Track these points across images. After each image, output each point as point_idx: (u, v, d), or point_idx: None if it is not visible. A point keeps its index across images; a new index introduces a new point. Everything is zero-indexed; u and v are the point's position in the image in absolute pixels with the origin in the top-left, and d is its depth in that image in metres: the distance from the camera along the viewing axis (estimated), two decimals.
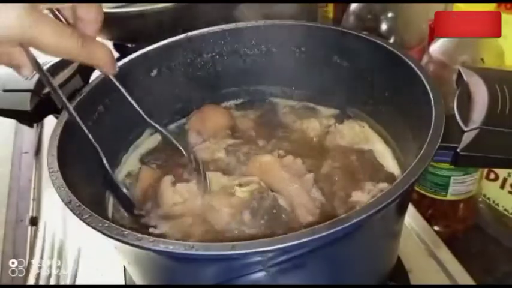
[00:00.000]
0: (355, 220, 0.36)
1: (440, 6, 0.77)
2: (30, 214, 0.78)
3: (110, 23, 0.90)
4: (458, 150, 0.41)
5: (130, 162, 0.62)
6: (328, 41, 0.62)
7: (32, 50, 0.75)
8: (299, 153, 0.60)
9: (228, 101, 0.69)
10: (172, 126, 0.67)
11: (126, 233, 0.39)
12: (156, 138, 0.65)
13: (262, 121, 0.66)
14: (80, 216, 0.41)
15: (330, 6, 1.08)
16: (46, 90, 0.53)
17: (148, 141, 0.65)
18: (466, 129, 0.42)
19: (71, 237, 0.70)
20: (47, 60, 0.55)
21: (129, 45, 1.02)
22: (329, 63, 0.63)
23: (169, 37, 0.63)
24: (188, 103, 0.67)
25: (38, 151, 0.95)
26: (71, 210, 0.42)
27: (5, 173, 0.99)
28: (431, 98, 0.47)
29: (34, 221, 0.76)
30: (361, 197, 0.54)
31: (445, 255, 0.63)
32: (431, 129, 0.43)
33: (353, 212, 0.37)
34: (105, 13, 0.88)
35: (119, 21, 0.88)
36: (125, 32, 0.94)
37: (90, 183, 0.53)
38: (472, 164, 0.56)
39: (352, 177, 0.57)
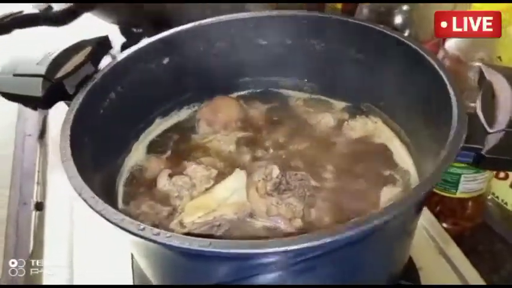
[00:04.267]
0: (376, 222, 0.36)
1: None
2: (35, 199, 0.77)
3: (115, 8, 0.88)
4: (483, 152, 0.40)
5: (140, 150, 0.61)
6: (345, 34, 0.61)
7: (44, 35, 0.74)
8: (310, 148, 0.60)
9: (239, 91, 0.68)
10: (182, 115, 0.65)
11: (142, 227, 0.38)
12: (167, 126, 0.64)
13: (273, 113, 0.65)
14: (94, 208, 0.40)
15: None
16: (58, 75, 0.52)
17: (159, 128, 0.64)
18: (490, 130, 0.41)
19: (78, 225, 0.69)
20: (59, 47, 0.54)
21: (135, 30, 1.00)
22: (344, 57, 0.62)
23: (175, 22, 0.62)
24: (199, 92, 0.66)
25: (42, 134, 0.94)
26: (84, 201, 0.41)
27: (7, 155, 0.98)
28: (452, 96, 0.46)
29: (39, 206, 0.75)
30: (374, 195, 0.54)
31: (455, 253, 0.63)
32: (454, 129, 0.42)
33: (374, 213, 0.36)
34: None
35: (124, 5, 0.86)
36: (131, 16, 0.92)
37: (100, 173, 0.53)
38: (496, 167, 0.55)
39: (364, 174, 0.56)
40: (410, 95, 0.56)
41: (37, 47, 0.57)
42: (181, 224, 0.50)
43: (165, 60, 0.61)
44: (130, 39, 0.96)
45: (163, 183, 0.55)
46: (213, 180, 0.54)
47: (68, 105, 0.53)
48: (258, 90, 0.68)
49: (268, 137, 0.61)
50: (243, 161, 0.58)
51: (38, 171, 0.87)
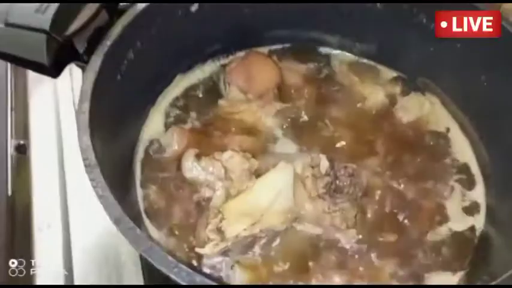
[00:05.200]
0: None
1: None
2: (14, 140, 0.65)
3: None
4: None
5: (157, 117, 0.51)
6: None
7: None
8: (358, 131, 0.51)
9: (273, 45, 0.57)
10: (206, 70, 0.55)
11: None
12: (188, 85, 0.54)
13: (315, 80, 0.55)
14: (137, 246, 0.31)
15: None
16: (67, 32, 0.39)
17: (179, 88, 0.53)
18: None
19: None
20: None
21: None
22: (408, 19, 0.51)
23: None
24: (227, 43, 0.55)
25: None
26: (122, 232, 0.32)
27: None
28: None
29: (22, 149, 0.63)
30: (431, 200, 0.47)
31: None
32: None
33: None
34: None
35: None
36: None
37: (115, 150, 0.43)
38: None
39: (419, 170, 0.49)
40: (484, 76, 0.48)
41: None
42: (219, 230, 0.42)
43: (194, 7, 0.49)
44: None
45: (190, 166, 0.46)
46: (254, 175, 0.45)
47: (80, 67, 0.42)
48: (296, 46, 0.57)
49: (310, 112, 0.52)
50: (284, 144, 0.49)
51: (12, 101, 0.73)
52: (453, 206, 0.47)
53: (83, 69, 0.41)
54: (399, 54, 0.55)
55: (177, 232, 0.43)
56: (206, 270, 0.41)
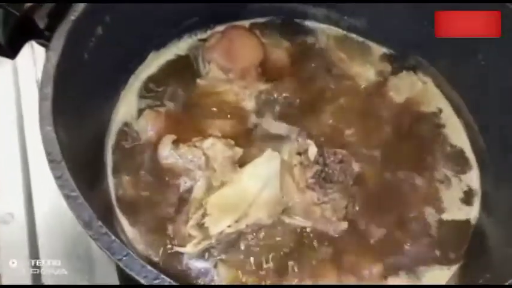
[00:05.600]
0: None
1: None
2: None
3: None
4: None
5: (130, 99, 0.46)
6: None
7: None
8: (346, 113, 0.48)
9: (254, 18, 0.53)
10: (181, 47, 0.50)
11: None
12: (162, 62, 0.49)
13: (299, 55, 0.51)
14: (111, 254, 0.27)
15: None
16: (26, 5, 0.34)
17: (153, 66, 0.49)
18: None
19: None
20: None
21: None
22: None
23: None
24: (206, 16, 0.50)
25: None
26: (94, 239, 0.28)
27: None
28: None
29: None
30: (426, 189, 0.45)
31: None
32: None
33: None
34: None
35: None
36: None
37: (84, 136, 0.39)
38: None
39: (411, 156, 0.46)
40: (482, 55, 0.45)
41: None
42: (201, 227, 0.38)
43: None
44: None
45: (167, 154, 0.42)
46: (237, 165, 0.41)
47: (41, 45, 0.37)
48: (280, 19, 0.53)
49: (296, 92, 0.48)
50: (269, 128, 0.46)
51: None
52: (448, 193, 0.45)
53: (46, 47, 0.36)
54: (390, 29, 0.51)
55: (153, 228, 0.40)
56: (187, 271, 0.37)
